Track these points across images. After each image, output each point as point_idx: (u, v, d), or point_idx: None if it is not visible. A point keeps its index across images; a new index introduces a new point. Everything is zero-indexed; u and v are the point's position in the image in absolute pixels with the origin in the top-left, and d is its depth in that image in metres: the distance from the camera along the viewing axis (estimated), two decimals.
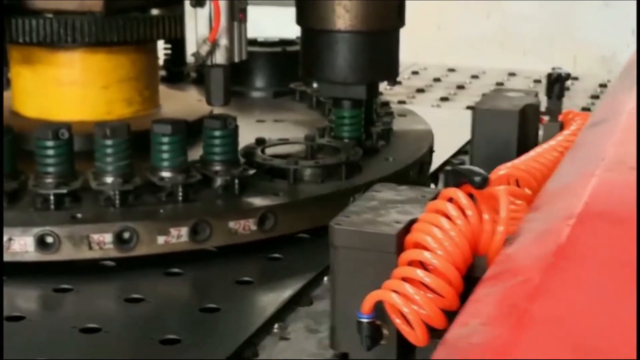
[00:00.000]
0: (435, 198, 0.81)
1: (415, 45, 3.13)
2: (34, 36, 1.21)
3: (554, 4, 3.37)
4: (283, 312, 0.94)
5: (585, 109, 1.82)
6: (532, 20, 3.34)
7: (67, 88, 1.29)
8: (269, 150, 1.22)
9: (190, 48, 1.10)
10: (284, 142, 1.26)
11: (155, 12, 1.28)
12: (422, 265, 0.75)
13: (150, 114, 1.32)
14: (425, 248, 0.75)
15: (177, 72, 1.73)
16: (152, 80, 1.36)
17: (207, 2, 1.07)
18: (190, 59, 1.09)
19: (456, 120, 1.71)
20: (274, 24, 1.99)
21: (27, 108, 1.31)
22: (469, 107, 1.83)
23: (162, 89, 1.50)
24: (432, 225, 0.76)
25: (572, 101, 1.89)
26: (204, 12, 1.08)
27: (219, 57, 1.10)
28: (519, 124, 1.18)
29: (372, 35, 1.24)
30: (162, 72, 1.73)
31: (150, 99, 1.35)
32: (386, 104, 1.47)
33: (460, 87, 2.00)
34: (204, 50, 1.08)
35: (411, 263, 0.75)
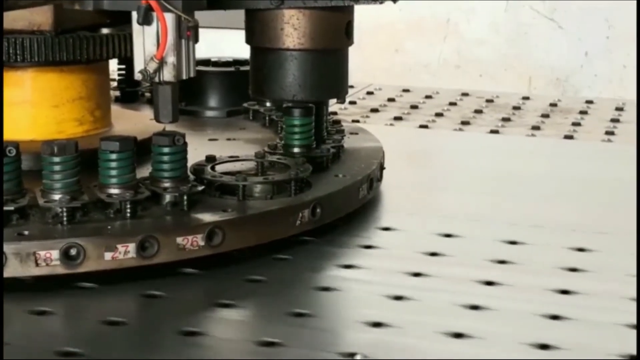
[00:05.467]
0: None
1: (372, 68, 3.18)
2: None
3: (509, 27, 3.43)
4: None
5: (535, 127, 1.85)
6: (487, 43, 3.39)
7: (18, 107, 1.29)
8: (219, 168, 1.23)
9: (139, 65, 1.10)
10: (235, 159, 1.27)
11: (105, 31, 1.29)
12: None
13: (101, 133, 1.32)
14: None
15: (131, 92, 1.74)
16: (103, 99, 1.36)
17: (155, 20, 1.08)
18: (137, 76, 1.10)
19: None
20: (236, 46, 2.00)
21: None
22: (421, 126, 1.86)
23: (116, 108, 1.51)
24: None
25: (522, 119, 1.92)
26: (151, 30, 1.09)
27: (167, 75, 1.11)
28: None
29: (321, 53, 1.26)
30: (117, 93, 1.74)
31: (102, 119, 1.35)
32: (337, 122, 1.49)
33: (414, 107, 2.03)
34: (152, 67, 1.09)
35: None
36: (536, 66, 3.30)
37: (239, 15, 1.30)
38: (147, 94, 1.73)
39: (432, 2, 3.25)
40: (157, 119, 1.15)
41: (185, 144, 1.13)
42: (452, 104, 2.06)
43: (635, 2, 3.00)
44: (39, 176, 1.10)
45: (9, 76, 1.28)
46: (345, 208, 1.24)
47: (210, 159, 1.24)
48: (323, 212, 1.18)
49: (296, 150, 1.28)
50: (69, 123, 1.31)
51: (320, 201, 1.18)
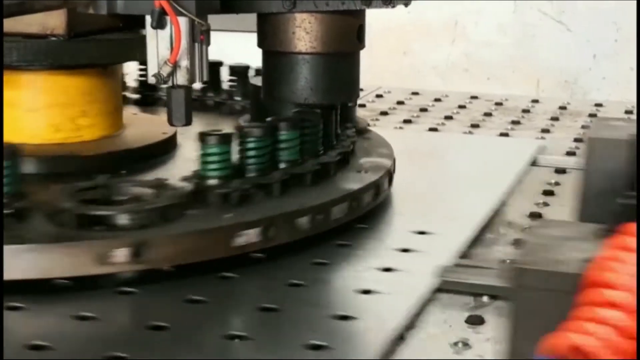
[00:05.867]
0: (609, 233, 0.75)
1: (381, 70, 3.18)
2: None
3: (517, 29, 3.43)
4: None
5: (545, 131, 1.85)
6: (495, 45, 3.39)
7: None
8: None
9: (152, 69, 1.11)
10: (133, 182, 1.14)
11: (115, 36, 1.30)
12: (609, 305, 0.67)
13: (82, 142, 1.32)
14: (612, 287, 0.68)
15: (150, 95, 1.74)
16: (92, 107, 1.33)
17: (168, 23, 1.09)
18: (151, 79, 1.11)
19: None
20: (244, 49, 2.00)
21: None
22: (431, 129, 1.86)
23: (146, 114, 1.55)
24: (621, 262, 0.69)
25: (532, 122, 1.92)
26: (164, 34, 1.10)
27: (180, 78, 1.11)
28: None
29: (333, 56, 1.27)
30: (136, 96, 1.75)
31: (89, 127, 1.33)
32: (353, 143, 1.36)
33: (423, 110, 2.03)
34: (166, 71, 1.10)
35: (596, 303, 0.68)
36: (544, 68, 3.30)
37: (248, 18, 1.30)
38: (133, 96, 1.74)
39: (440, 4, 3.26)
40: (170, 122, 1.15)
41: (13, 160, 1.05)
42: (462, 107, 2.06)
43: None
44: None
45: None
46: (205, 253, 1.04)
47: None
48: (152, 255, 1.01)
49: (210, 182, 1.11)
50: (45, 129, 1.31)
51: (146, 242, 1.00)
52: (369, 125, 1.57)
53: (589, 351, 0.64)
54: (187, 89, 1.13)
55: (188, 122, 1.15)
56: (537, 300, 0.74)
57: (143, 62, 1.69)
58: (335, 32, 1.25)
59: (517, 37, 3.39)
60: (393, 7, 1.24)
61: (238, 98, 1.68)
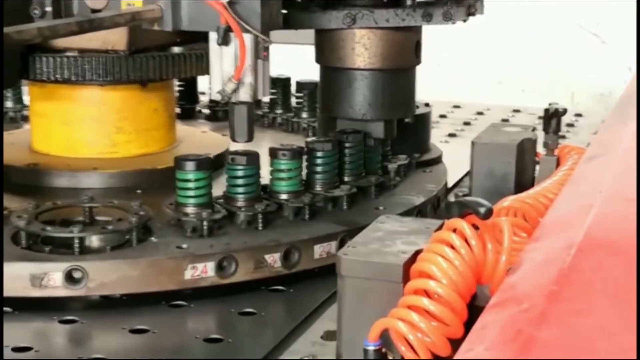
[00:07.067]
0: (439, 229, 0.81)
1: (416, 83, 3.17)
2: None
3: (551, 42, 3.42)
4: None
5: None
6: (530, 58, 3.38)
7: (39, 120, 1.34)
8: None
9: (216, 86, 1.11)
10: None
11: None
12: (427, 294, 0.76)
13: (116, 158, 1.31)
14: (431, 277, 0.76)
15: (189, 108, 1.74)
16: (126, 123, 1.32)
17: (233, 40, 1.09)
18: (216, 96, 1.11)
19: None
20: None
21: None
22: None
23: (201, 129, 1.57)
24: (437, 254, 0.76)
25: (577, 137, 1.91)
26: (229, 51, 1.10)
27: (244, 95, 1.11)
28: (517, 157, 1.16)
29: (391, 72, 1.27)
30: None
31: (125, 143, 1.33)
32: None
33: (467, 123, 2.02)
34: (230, 87, 1.10)
35: (417, 292, 0.76)
36: (579, 81, 3.29)
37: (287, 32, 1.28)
38: (205, 111, 1.74)
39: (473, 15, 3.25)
40: (232, 138, 1.15)
41: None
42: (505, 120, 2.05)
43: None
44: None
45: (42, 91, 1.31)
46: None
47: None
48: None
49: (189, 210, 1.10)
50: (78, 142, 1.32)
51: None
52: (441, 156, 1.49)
53: (398, 333, 0.73)
54: (250, 105, 1.13)
55: (250, 138, 1.15)
56: (363, 288, 0.79)
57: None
58: (394, 48, 1.25)
59: (552, 50, 3.38)
60: (453, 23, 1.24)
61: (279, 111, 1.68)
